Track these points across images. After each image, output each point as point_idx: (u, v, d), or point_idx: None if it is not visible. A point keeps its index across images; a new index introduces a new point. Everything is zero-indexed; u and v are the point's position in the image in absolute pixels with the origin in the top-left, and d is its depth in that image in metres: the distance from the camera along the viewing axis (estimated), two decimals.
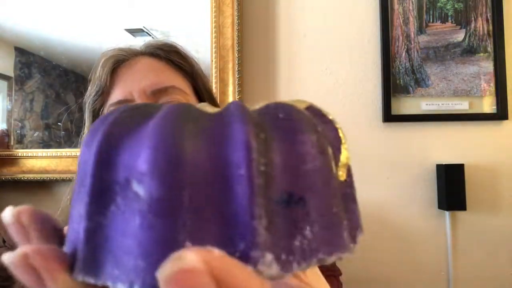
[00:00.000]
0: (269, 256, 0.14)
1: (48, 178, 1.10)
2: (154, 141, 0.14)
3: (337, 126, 0.19)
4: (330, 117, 0.19)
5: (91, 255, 0.14)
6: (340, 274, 0.59)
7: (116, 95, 0.51)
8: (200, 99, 0.56)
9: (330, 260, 0.15)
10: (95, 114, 0.53)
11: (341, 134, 0.19)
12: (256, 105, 0.18)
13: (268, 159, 0.15)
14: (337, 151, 0.18)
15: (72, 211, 0.16)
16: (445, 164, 1.04)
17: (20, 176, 1.10)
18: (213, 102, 0.57)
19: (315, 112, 0.19)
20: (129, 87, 0.50)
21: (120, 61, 0.53)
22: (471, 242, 1.07)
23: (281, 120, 0.16)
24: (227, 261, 0.12)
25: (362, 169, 1.09)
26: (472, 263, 1.06)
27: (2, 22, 1.17)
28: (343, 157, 0.18)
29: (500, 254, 1.06)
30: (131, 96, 0.50)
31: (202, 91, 0.56)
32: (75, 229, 0.16)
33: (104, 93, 0.52)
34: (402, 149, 1.10)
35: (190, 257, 0.11)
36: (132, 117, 0.16)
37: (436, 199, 1.07)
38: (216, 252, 0.12)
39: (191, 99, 0.53)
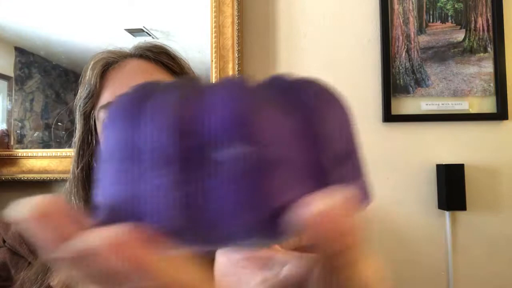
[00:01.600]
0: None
1: (48, 178, 1.10)
2: (231, 103, 0.14)
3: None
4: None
5: (196, 222, 0.14)
6: None
7: (106, 97, 0.51)
8: None
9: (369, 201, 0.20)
10: (86, 117, 0.53)
11: None
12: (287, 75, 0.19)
13: (329, 120, 0.17)
14: None
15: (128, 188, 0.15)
16: (445, 164, 1.04)
17: (20, 176, 1.10)
18: None
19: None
20: (119, 89, 0.50)
21: (109, 63, 0.53)
22: (471, 242, 1.07)
23: (323, 92, 0.18)
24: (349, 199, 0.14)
25: None
26: (472, 263, 1.06)
27: (2, 22, 1.17)
28: None
29: (500, 254, 1.06)
30: None
31: None
32: (155, 201, 0.14)
33: (94, 96, 0.52)
34: (402, 149, 1.10)
35: (336, 195, 0.13)
36: (191, 83, 0.16)
37: (436, 199, 1.07)
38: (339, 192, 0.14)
39: None
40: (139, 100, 0.16)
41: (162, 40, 1.13)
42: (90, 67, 0.53)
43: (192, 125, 0.14)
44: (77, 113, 0.55)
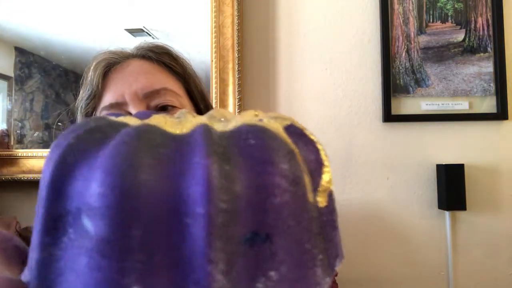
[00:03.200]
0: None
1: None
2: (105, 176, 0.13)
3: (319, 147, 0.17)
4: (312, 138, 0.18)
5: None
6: (336, 274, 0.59)
7: (108, 98, 0.51)
8: (193, 100, 0.55)
9: None
10: (88, 117, 0.53)
11: (322, 156, 0.17)
12: (233, 122, 0.17)
13: (231, 194, 0.13)
14: (317, 175, 0.17)
15: (33, 233, 0.15)
16: (445, 164, 1.04)
17: (20, 176, 1.10)
18: (205, 103, 0.57)
19: (295, 132, 0.17)
20: (121, 90, 0.50)
21: (111, 64, 0.53)
22: (471, 242, 1.07)
23: (250, 147, 0.14)
24: None
25: (362, 169, 1.09)
26: (472, 263, 1.06)
27: (2, 22, 1.17)
28: (324, 181, 0.17)
29: (500, 254, 1.06)
30: (123, 99, 0.49)
31: (194, 92, 0.56)
32: (32, 258, 0.15)
33: (96, 97, 0.52)
34: (402, 149, 1.10)
35: None
36: (89, 140, 0.15)
37: (436, 199, 1.07)
38: None
39: (184, 100, 0.53)
40: (58, 143, 0.16)
41: (162, 40, 1.13)
42: (92, 67, 0.53)
43: (64, 187, 0.14)
44: (78, 114, 0.55)
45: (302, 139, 0.17)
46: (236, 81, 1.08)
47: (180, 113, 0.18)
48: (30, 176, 1.10)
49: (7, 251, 0.16)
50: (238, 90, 1.08)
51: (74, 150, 0.14)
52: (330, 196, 0.17)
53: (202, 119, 0.18)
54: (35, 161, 1.11)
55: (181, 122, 0.16)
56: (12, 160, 1.12)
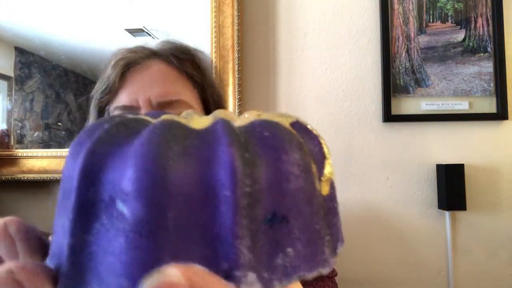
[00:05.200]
0: (251, 276, 0.14)
1: (48, 178, 1.10)
2: (139, 161, 0.14)
3: (322, 141, 0.19)
4: (315, 133, 0.20)
5: (75, 272, 0.14)
6: (335, 275, 0.59)
7: (123, 99, 0.51)
8: (207, 109, 0.56)
9: (311, 275, 0.16)
10: (101, 111, 0.54)
11: (325, 150, 0.19)
12: (242, 119, 0.18)
13: (252, 179, 0.15)
14: (321, 166, 0.18)
15: (55, 223, 0.16)
16: (445, 164, 1.04)
17: (20, 176, 1.10)
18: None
19: (301, 128, 0.19)
20: (136, 94, 0.50)
21: (130, 63, 0.53)
22: (471, 242, 1.07)
23: (266, 138, 0.16)
24: (209, 277, 0.12)
25: (362, 169, 1.09)
26: (472, 263, 1.06)
27: (2, 22, 1.17)
28: (326, 172, 0.19)
29: (500, 254, 1.06)
30: (137, 103, 0.50)
31: (209, 101, 0.56)
32: (58, 243, 0.15)
33: (111, 93, 0.52)
34: (402, 149, 1.10)
35: (172, 272, 0.12)
36: (118, 134, 0.16)
37: (436, 199, 1.07)
38: (198, 267, 0.12)
39: (196, 111, 0.53)
40: (83, 140, 0.16)
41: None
42: (111, 64, 0.53)
43: (96, 177, 0.15)
44: (92, 103, 0.55)
45: (307, 134, 0.19)
46: (236, 81, 1.08)
47: (186, 113, 0.19)
48: (30, 176, 1.10)
49: (31, 241, 0.17)
50: (238, 90, 1.08)
51: (104, 142, 0.15)
52: (332, 185, 0.19)
53: (210, 117, 0.19)
54: (35, 161, 1.11)
55: (189, 121, 0.17)
56: (12, 160, 1.12)
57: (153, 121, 0.17)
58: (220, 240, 0.14)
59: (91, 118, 0.56)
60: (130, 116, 0.18)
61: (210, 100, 0.56)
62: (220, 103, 0.58)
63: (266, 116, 0.18)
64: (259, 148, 0.15)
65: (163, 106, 0.50)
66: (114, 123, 0.16)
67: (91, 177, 0.15)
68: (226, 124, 0.16)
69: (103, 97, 0.53)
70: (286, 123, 0.18)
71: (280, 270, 0.15)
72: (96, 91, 0.54)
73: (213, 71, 0.59)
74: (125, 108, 0.50)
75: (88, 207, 0.15)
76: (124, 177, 0.14)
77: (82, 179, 0.15)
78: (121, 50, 0.55)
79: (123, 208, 0.14)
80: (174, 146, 0.15)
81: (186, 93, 0.53)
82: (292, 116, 0.19)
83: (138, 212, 0.14)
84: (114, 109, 0.52)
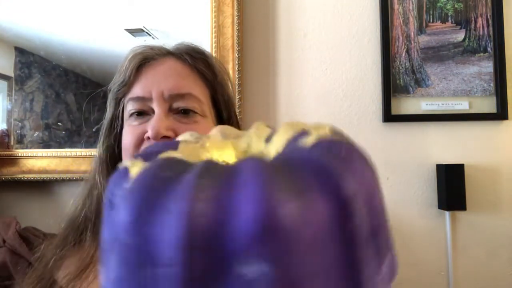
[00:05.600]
0: None
1: (48, 178, 1.10)
2: (256, 207, 0.13)
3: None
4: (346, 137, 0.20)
5: None
6: None
7: (137, 91, 0.54)
8: (216, 107, 0.59)
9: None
10: (117, 102, 0.57)
11: None
12: (274, 143, 0.18)
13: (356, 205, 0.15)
14: None
15: None
16: (445, 164, 1.04)
17: (20, 176, 1.10)
18: (229, 112, 0.60)
19: (337, 133, 0.20)
20: (150, 87, 0.54)
21: (147, 58, 0.56)
22: (471, 242, 1.07)
23: (344, 158, 0.16)
24: None
25: None
26: (472, 263, 1.06)
27: (2, 22, 1.17)
28: None
29: (500, 254, 1.06)
30: (150, 95, 0.53)
31: (219, 101, 0.59)
32: None
33: (127, 86, 0.55)
34: (402, 149, 1.10)
35: None
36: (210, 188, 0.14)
37: (436, 199, 1.07)
38: None
39: (206, 107, 0.56)
40: (157, 188, 0.14)
41: (162, 40, 1.13)
42: (128, 58, 0.56)
43: (206, 238, 0.13)
44: (110, 95, 0.59)
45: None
46: (236, 81, 1.08)
47: (195, 137, 0.19)
48: (30, 176, 1.10)
49: None
50: (238, 90, 1.08)
51: (202, 201, 0.14)
52: None
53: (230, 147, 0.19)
54: (35, 161, 1.11)
55: (205, 148, 0.18)
56: (12, 160, 1.12)
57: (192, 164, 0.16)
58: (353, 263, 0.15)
59: (109, 109, 0.59)
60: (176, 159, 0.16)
61: (220, 98, 0.59)
62: (229, 103, 0.61)
63: (304, 127, 0.18)
64: (343, 168, 0.16)
65: (175, 98, 0.53)
66: (202, 173, 0.15)
67: (196, 244, 0.13)
68: (260, 164, 0.16)
69: (119, 89, 0.56)
70: (326, 132, 0.19)
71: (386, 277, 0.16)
72: (114, 84, 0.58)
73: (227, 74, 0.62)
74: (138, 99, 0.53)
75: (197, 276, 0.13)
76: (244, 228, 0.13)
77: (188, 248, 0.13)
78: (140, 46, 0.59)
79: (246, 268, 0.13)
80: (283, 182, 0.14)
81: (196, 88, 0.56)
82: (326, 125, 0.19)
83: (267, 269, 0.13)
84: (128, 100, 0.55)
